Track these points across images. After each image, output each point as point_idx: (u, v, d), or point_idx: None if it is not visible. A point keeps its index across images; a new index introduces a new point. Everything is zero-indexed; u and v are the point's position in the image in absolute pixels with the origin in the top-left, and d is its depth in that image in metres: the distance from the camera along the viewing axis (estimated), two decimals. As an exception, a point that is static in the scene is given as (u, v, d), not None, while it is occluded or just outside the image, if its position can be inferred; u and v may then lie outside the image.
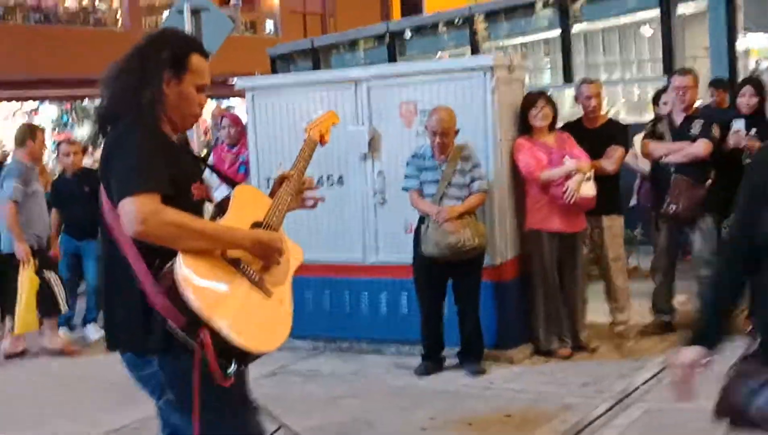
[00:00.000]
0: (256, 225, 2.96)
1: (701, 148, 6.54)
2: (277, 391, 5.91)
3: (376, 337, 6.89)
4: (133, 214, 2.65)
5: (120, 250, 2.80)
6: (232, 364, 2.74)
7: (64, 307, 7.63)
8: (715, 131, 6.61)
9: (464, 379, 6.08)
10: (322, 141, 3.39)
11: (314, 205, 3.36)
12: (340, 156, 6.76)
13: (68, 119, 21.59)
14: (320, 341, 7.04)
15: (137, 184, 2.68)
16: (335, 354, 6.93)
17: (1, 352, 7.62)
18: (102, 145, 2.94)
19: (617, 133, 6.80)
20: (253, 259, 2.87)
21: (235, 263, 2.81)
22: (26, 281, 7.24)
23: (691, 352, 2.78)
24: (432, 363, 6.30)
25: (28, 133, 7.69)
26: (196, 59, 2.97)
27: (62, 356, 7.55)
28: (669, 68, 10.19)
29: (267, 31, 27.02)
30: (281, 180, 3.22)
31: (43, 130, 8.00)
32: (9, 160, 9.63)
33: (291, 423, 4.74)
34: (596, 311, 7.02)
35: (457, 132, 6.13)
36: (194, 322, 2.65)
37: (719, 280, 2.87)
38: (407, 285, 6.50)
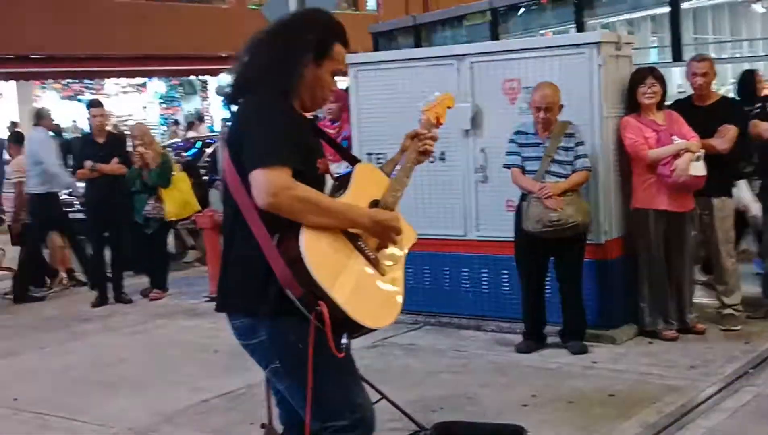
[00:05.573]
0: (374, 203, 3.02)
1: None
2: (378, 363, 5.97)
3: (476, 314, 6.88)
4: (265, 186, 2.72)
5: (241, 215, 2.87)
6: (343, 337, 2.79)
7: None
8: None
9: (566, 358, 6.01)
10: (437, 123, 3.40)
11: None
12: (442, 132, 6.63)
13: (176, 95, 22.05)
14: (420, 316, 7.06)
15: (272, 157, 2.75)
16: (435, 329, 6.94)
17: None
18: (236, 115, 2.99)
19: (730, 112, 6.56)
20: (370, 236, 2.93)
21: (353, 239, 2.88)
22: None
23: None
24: (533, 341, 6.25)
25: None
26: (338, 48, 3.04)
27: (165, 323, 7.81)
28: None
29: (368, 7, 27.06)
30: (413, 136, 3.29)
31: None
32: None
33: (391, 395, 4.77)
34: (704, 293, 6.86)
35: (561, 108, 6.05)
36: (312, 293, 2.72)
37: None
38: (508, 262, 6.46)
